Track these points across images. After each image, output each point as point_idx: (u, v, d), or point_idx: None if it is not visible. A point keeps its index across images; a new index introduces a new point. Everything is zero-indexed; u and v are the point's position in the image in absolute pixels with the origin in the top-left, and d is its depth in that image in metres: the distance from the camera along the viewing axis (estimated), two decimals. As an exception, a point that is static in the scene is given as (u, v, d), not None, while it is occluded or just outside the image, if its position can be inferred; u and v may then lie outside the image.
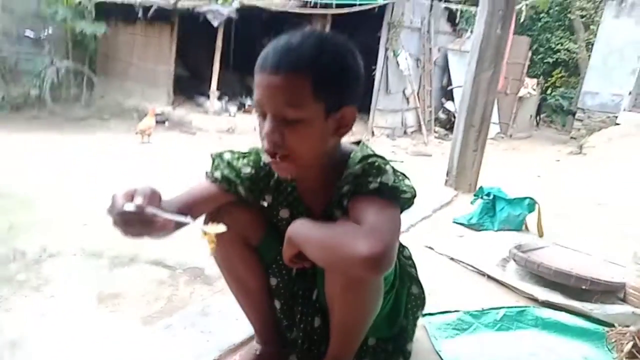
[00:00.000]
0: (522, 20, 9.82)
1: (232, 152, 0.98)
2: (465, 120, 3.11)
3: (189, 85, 7.52)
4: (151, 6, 6.32)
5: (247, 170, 0.95)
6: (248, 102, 7.14)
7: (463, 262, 1.91)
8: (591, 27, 10.03)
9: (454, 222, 2.47)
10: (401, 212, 0.86)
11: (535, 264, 1.72)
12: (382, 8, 6.54)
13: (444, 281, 1.72)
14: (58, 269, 1.79)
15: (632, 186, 4.21)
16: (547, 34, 10.85)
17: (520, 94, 8.47)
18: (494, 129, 7.52)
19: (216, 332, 1.26)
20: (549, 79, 10.75)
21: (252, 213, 0.98)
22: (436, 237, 2.17)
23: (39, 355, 1.25)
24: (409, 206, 0.88)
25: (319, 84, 0.77)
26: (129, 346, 1.22)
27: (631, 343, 1.21)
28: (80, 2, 6.49)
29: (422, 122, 7.58)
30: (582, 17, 10.14)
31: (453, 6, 8.14)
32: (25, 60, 5.98)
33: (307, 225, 0.86)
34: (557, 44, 10.57)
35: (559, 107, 10.15)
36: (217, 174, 0.93)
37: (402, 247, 1.07)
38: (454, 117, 6.14)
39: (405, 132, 7.55)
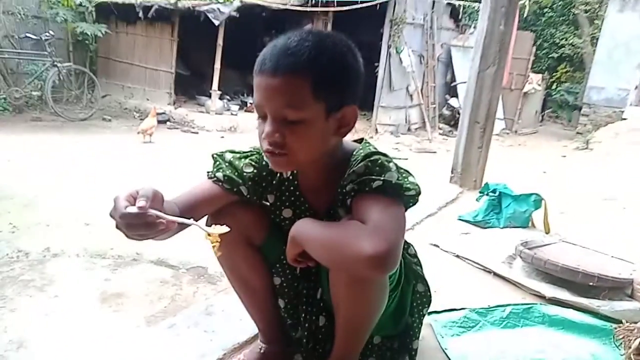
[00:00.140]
0: (525, 15, 9.75)
1: (233, 151, 0.98)
2: (470, 116, 3.09)
3: (190, 85, 7.53)
4: (152, 6, 6.32)
5: (249, 169, 0.94)
6: (250, 100, 7.13)
7: (469, 260, 1.90)
8: (595, 21, 9.93)
9: (459, 219, 2.46)
10: (406, 209, 0.85)
11: (542, 260, 1.70)
12: (384, 5, 6.50)
13: (450, 279, 1.71)
14: (62, 269, 1.79)
15: (639, 181, 4.17)
16: (551, 29, 10.76)
17: (525, 90, 8.41)
18: (499, 125, 7.47)
19: (220, 332, 1.25)
20: (554, 74, 10.66)
21: (254, 213, 0.98)
22: (441, 235, 2.16)
23: (43, 355, 1.25)
24: (414, 203, 0.87)
25: (318, 84, 0.77)
26: (133, 346, 1.22)
27: (639, 339, 1.20)
28: (80, 3, 6.51)
29: (426, 119, 7.54)
30: (586, 11, 10.04)
31: (456, 2, 8.08)
32: (26, 62, 6.00)
33: (310, 225, 0.86)
34: (562, 39, 10.48)
35: (564, 103, 10.07)
36: (219, 174, 0.93)
37: (407, 245, 1.06)
38: (459, 113, 6.10)
39: (409, 129, 7.51)
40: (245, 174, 0.94)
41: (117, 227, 0.70)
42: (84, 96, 6.36)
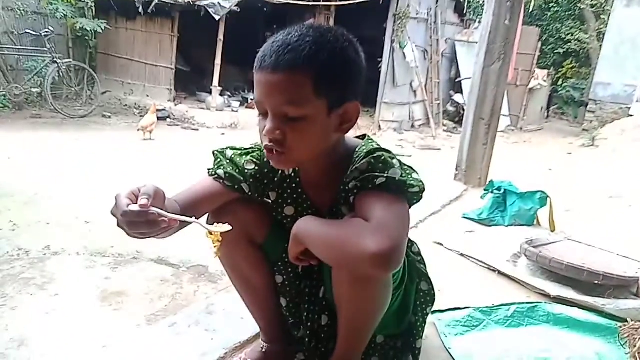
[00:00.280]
0: (531, 10, 9.66)
1: (234, 148, 0.96)
2: (475, 112, 3.06)
3: (190, 81, 7.51)
4: (151, 1, 6.28)
5: (251, 166, 0.93)
6: (251, 97, 7.11)
7: (473, 258, 1.88)
8: (602, 16, 9.82)
9: (464, 217, 2.44)
10: (410, 206, 0.84)
11: (547, 259, 1.69)
12: (388, -1, 6.45)
13: (454, 277, 1.69)
14: (62, 267, 1.79)
15: (645, 178, 4.13)
16: (557, 24, 10.66)
17: (530, 86, 8.35)
18: (504, 122, 7.43)
19: (221, 331, 1.25)
20: (560, 69, 10.57)
21: (256, 211, 0.97)
22: (445, 233, 2.14)
23: (44, 353, 1.25)
24: (418, 200, 0.86)
25: (319, 80, 0.75)
26: (133, 345, 1.21)
27: (644, 338, 1.18)
28: (80, -1, 6.50)
29: (430, 115, 7.50)
30: (592, 6, 9.94)
31: (460, -4, 8.02)
32: (26, 59, 5.99)
33: (313, 223, 0.85)
34: (568, 34, 10.37)
35: (570, 99, 9.99)
36: (220, 172, 0.92)
37: (411, 243, 1.05)
38: (463, 109, 6.05)
39: (412, 126, 7.47)
40: (246, 171, 0.92)
41: (118, 225, 0.70)
42: (84, 93, 6.35)
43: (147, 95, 6.85)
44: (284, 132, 0.78)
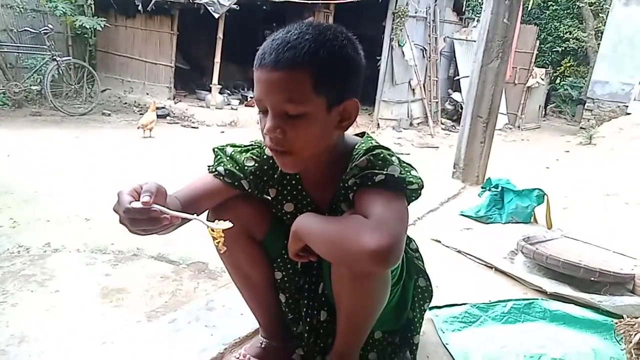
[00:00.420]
0: (529, 8, 9.67)
1: (234, 145, 0.97)
2: (473, 111, 3.07)
3: (190, 79, 7.49)
4: (151, -1, 6.28)
5: (251, 163, 0.94)
6: (250, 94, 7.10)
7: (470, 255, 1.89)
8: (600, 15, 9.84)
9: (461, 214, 2.45)
10: (408, 203, 0.84)
11: (543, 256, 1.70)
12: (386, -3, 6.45)
13: (451, 274, 1.70)
14: (62, 264, 1.80)
15: (642, 176, 4.15)
16: (555, 22, 10.67)
17: (528, 84, 8.36)
18: (501, 120, 7.44)
19: (221, 327, 1.25)
20: (558, 68, 10.59)
21: (256, 207, 0.97)
22: (443, 230, 2.15)
23: (44, 350, 1.26)
24: (416, 197, 0.86)
25: (319, 78, 0.76)
26: (134, 341, 1.22)
27: (639, 334, 1.19)
28: (79, -4, 6.47)
29: (428, 114, 7.51)
30: (590, 5, 9.95)
31: (459, -6, 8.02)
32: (25, 56, 5.98)
33: (312, 219, 0.85)
34: (566, 33, 10.39)
35: (568, 97, 10.02)
36: (220, 168, 0.92)
37: (409, 240, 1.06)
38: (461, 108, 6.07)
39: (411, 124, 7.48)
40: (246, 167, 0.93)
41: (120, 221, 0.70)
42: (84, 90, 6.34)
43: (147, 93, 6.84)
44: (284, 130, 0.78)
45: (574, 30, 10.30)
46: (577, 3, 10.08)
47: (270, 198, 0.98)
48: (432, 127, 7.27)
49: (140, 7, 6.44)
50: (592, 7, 9.99)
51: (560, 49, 10.59)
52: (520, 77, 8.27)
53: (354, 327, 0.93)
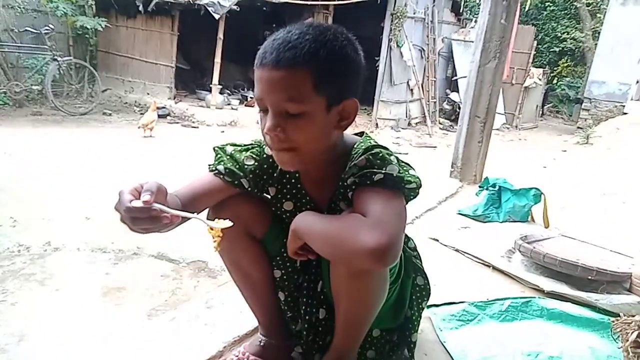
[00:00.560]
0: (527, 9, 9.69)
1: (234, 144, 0.97)
2: (470, 111, 3.08)
3: (190, 79, 7.50)
4: (152, 0, 6.28)
5: (250, 162, 0.94)
6: (250, 95, 7.11)
7: (468, 254, 1.90)
8: (598, 15, 9.87)
9: (459, 213, 2.46)
10: (406, 202, 0.85)
11: (540, 254, 1.71)
12: (385, -2, 6.46)
13: (449, 272, 1.71)
14: (62, 263, 1.80)
15: (639, 176, 4.17)
16: (552, 22, 10.70)
17: (526, 84, 8.38)
18: (499, 120, 7.46)
19: (220, 325, 1.26)
20: (555, 68, 10.62)
21: (256, 206, 0.98)
22: (441, 229, 2.16)
23: (44, 348, 1.26)
24: (415, 196, 0.87)
25: (319, 77, 0.77)
26: (134, 339, 1.22)
27: (636, 332, 1.20)
28: (80, -3, 6.47)
29: (426, 114, 7.53)
30: (588, 5, 9.98)
31: (457, -5, 8.03)
32: (26, 56, 5.98)
33: (311, 218, 0.86)
34: (563, 33, 10.42)
35: (565, 97, 10.04)
36: (220, 167, 0.93)
37: (407, 239, 1.06)
38: (459, 108, 6.08)
39: (409, 124, 7.49)
40: (246, 166, 0.94)
41: (121, 220, 0.71)
42: (84, 90, 6.34)
43: (148, 93, 6.84)
44: (284, 128, 0.79)
45: (572, 30, 10.33)
46: (575, 3, 10.11)
47: (269, 197, 0.99)
48: (430, 127, 7.29)
49: (141, 8, 6.45)
50: (589, 8, 10.02)
51: (557, 49, 10.62)
52: (517, 77, 8.29)
53: (352, 325, 0.94)
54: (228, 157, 0.94)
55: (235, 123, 6.24)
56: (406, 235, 1.03)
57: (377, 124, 6.97)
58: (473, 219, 2.40)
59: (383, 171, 0.83)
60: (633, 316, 1.31)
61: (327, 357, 0.99)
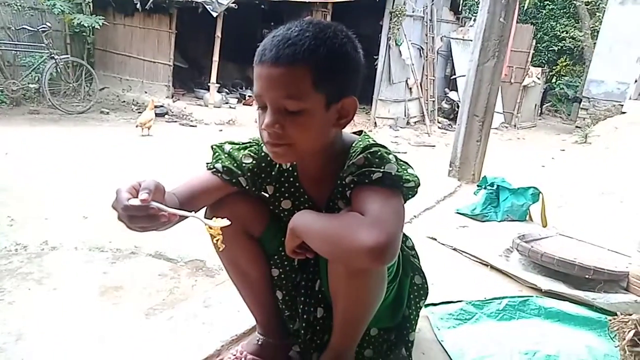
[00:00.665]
0: (526, 7, 9.69)
1: (232, 142, 0.97)
2: (469, 110, 3.08)
3: (188, 77, 7.48)
4: (150, -3, 6.27)
5: (248, 160, 0.94)
6: (248, 93, 7.10)
7: (466, 253, 1.90)
8: (597, 14, 9.88)
9: (457, 212, 2.46)
10: (405, 201, 0.85)
11: (538, 253, 1.71)
12: (384, -4, 6.46)
13: (447, 272, 1.72)
14: (60, 262, 1.80)
15: (637, 175, 4.18)
16: (551, 21, 10.71)
17: (524, 83, 8.39)
18: (498, 119, 7.47)
19: (218, 324, 1.26)
20: (554, 67, 10.63)
21: (254, 204, 0.98)
22: (439, 228, 2.16)
23: (41, 347, 1.26)
24: (413, 195, 0.87)
25: (319, 75, 0.76)
26: (131, 338, 1.22)
27: (633, 331, 1.20)
28: (77, -6, 6.45)
29: (425, 113, 7.53)
30: (587, 4, 9.99)
31: (456, -6, 8.03)
32: (23, 54, 5.96)
33: (309, 216, 0.86)
34: (562, 32, 10.43)
35: (564, 96, 10.06)
36: (218, 165, 0.92)
37: (405, 238, 1.06)
38: (458, 106, 6.09)
39: (408, 123, 7.50)
40: (244, 165, 0.93)
41: (119, 218, 0.71)
42: (82, 89, 6.32)
43: (145, 92, 6.83)
44: (282, 126, 0.79)
45: (570, 29, 10.34)
46: (574, 2, 10.12)
47: (267, 195, 0.98)
48: (428, 126, 7.29)
49: (138, 6, 6.43)
50: (588, 7, 10.03)
51: (556, 48, 10.63)
52: (516, 76, 8.30)
53: (350, 324, 0.94)
54: (226, 155, 0.94)
55: (233, 122, 6.24)
56: (404, 234, 1.03)
57: (375, 123, 6.97)
58: (471, 218, 2.40)
59: (381, 170, 0.82)
60: (630, 315, 1.31)
61: (324, 356, 0.99)
